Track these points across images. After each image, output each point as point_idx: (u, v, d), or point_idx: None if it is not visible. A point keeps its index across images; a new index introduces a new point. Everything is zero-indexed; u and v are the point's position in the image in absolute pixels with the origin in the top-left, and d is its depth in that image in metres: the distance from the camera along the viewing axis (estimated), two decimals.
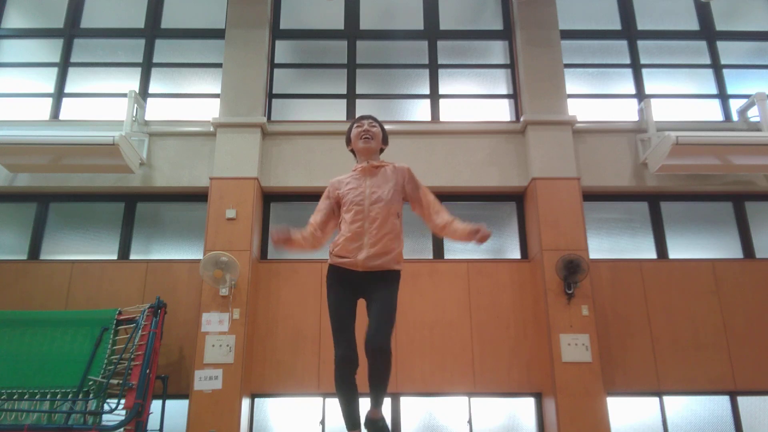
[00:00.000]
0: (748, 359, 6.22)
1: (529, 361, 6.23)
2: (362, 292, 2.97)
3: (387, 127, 3.32)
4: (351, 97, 7.24)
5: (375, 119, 3.22)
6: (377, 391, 2.88)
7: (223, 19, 7.41)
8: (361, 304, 3.00)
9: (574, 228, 6.32)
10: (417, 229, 6.71)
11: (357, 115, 3.26)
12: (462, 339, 6.29)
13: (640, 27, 7.64)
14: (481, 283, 6.49)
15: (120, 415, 5.11)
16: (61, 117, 7.14)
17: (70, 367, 5.41)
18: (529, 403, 6.24)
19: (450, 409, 6.21)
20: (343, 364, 2.83)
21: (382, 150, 3.24)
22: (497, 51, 7.58)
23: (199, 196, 6.67)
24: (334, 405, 6.04)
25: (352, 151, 3.24)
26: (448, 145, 6.86)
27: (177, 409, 5.79)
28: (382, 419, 2.96)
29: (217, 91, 7.05)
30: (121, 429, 5.02)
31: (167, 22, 7.61)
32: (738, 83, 7.43)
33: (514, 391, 6.20)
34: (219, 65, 7.19)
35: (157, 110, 7.19)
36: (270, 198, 6.88)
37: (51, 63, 7.38)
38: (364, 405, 2.96)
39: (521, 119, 6.89)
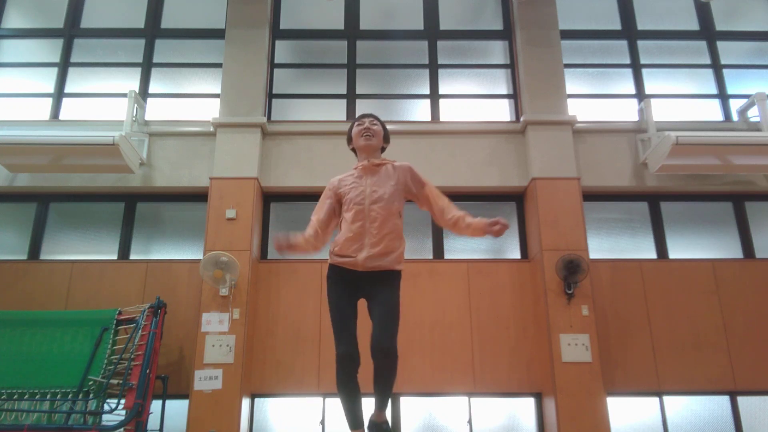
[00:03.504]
0: (748, 359, 6.22)
1: (529, 361, 6.23)
2: (363, 292, 2.94)
3: (387, 127, 3.29)
4: (351, 97, 7.24)
5: (376, 117, 3.19)
6: (382, 395, 2.85)
7: (223, 19, 7.41)
8: (361, 304, 2.98)
9: (574, 228, 6.32)
10: (417, 229, 6.72)
11: (357, 115, 3.24)
12: (462, 339, 6.29)
13: (640, 27, 7.64)
14: (481, 283, 6.49)
15: (120, 415, 5.11)
16: (61, 117, 7.14)
17: (70, 367, 5.41)
18: (529, 403, 6.24)
19: (450, 409, 6.21)
20: (344, 362, 2.79)
21: (383, 149, 3.20)
22: (497, 51, 7.58)
23: (199, 196, 6.67)
24: (334, 405, 6.04)
25: (353, 150, 3.20)
26: (448, 145, 6.86)
27: (177, 409, 5.79)
28: (386, 423, 2.94)
29: (217, 91, 7.05)
30: (121, 429, 5.02)
31: (167, 22, 7.61)
32: (738, 83, 7.43)
33: (514, 391, 6.20)
34: (219, 65, 7.19)
35: (157, 110, 7.19)
36: (270, 198, 6.88)
37: (51, 63, 7.38)
38: (367, 405, 2.94)
39: (521, 119, 6.89)
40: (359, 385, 2.86)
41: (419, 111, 7.32)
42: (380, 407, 2.90)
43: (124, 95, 6.81)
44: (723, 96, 7.34)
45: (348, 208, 2.97)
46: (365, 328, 2.89)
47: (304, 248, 2.98)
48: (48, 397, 5.23)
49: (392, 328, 2.83)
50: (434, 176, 6.55)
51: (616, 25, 7.68)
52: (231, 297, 6.00)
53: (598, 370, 5.87)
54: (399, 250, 2.94)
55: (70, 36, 7.51)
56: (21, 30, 7.67)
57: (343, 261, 2.92)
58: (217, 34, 7.41)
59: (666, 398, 6.17)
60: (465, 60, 7.53)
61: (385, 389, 2.84)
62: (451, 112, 7.24)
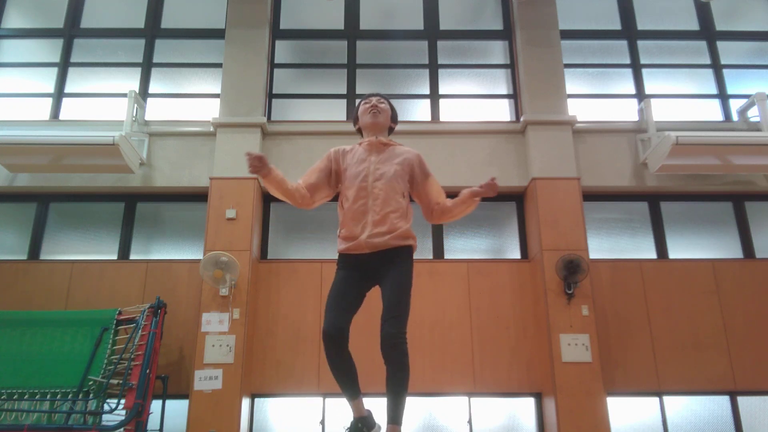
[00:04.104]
0: (748, 359, 6.22)
1: (529, 361, 6.23)
2: (375, 277, 2.77)
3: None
4: (351, 97, 7.24)
5: (384, 96, 3.12)
6: (394, 401, 2.58)
7: (223, 19, 7.41)
8: (371, 294, 2.82)
9: (574, 228, 6.32)
10: (417, 229, 6.68)
11: (365, 95, 3.18)
12: (462, 339, 6.29)
13: (640, 27, 7.64)
14: (481, 283, 6.49)
15: (120, 415, 5.11)
16: (61, 117, 7.14)
17: (70, 367, 5.41)
18: (529, 403, 6.24)
19: (450, 409, 6.21)
20: (326, 341, 2.64)
21: (391, 129, 3.13)
22: (497, 51, 7.58)
23: (199, 196, 6.66)
24: (334, 405, 6.04)
25: (359, 130, 3.11)
26: (448, 145, 6.86)
27: (177, 409, 5.79)
28: None
29: (217, 91, 7.05)
30: (121, 429, 5.02)
31: (167, 22, 7.61)
32: (738, 83, 7.43)
33: (514, 391, 6.20)
34: (219, 65, 7.19)
35: (157, 110, 7.19)
36: (270, 198, 6.85)
37: (51, 63, 7.37)
38: (370, 405, 2.89)
39: (521, 119, 6.89)
40: (350, 358, 2.71)
41: (419, 111, 7.32)
42: (393, 420, 2.58)
43: (124, 95, 6.81)
44: (723, 96, 7.34)
45: (349, 185, 2.85)
46: (373, 325, 2.86)
47: (281, 186, 2.84)
48: (48, 397, 5.22)
49: (398, 313, 2.59)
50: (434, 176, 6.63)
51: (616, 25, 7.68)
52: (231, 297, 6.00)
53: (598, 370, 5.87)
54: (404, 227, 2.80)
55: (70, 36, 7.51)
56: (21, 30, 7.67)
57: (348, 246, 2.77)
58: (217, 34, 7.40)
59: (666, 398, 6.17)
60: (465, 60, 7.53)
61: (397, 394, 2.57)
62: (451, 112, 7.24)
